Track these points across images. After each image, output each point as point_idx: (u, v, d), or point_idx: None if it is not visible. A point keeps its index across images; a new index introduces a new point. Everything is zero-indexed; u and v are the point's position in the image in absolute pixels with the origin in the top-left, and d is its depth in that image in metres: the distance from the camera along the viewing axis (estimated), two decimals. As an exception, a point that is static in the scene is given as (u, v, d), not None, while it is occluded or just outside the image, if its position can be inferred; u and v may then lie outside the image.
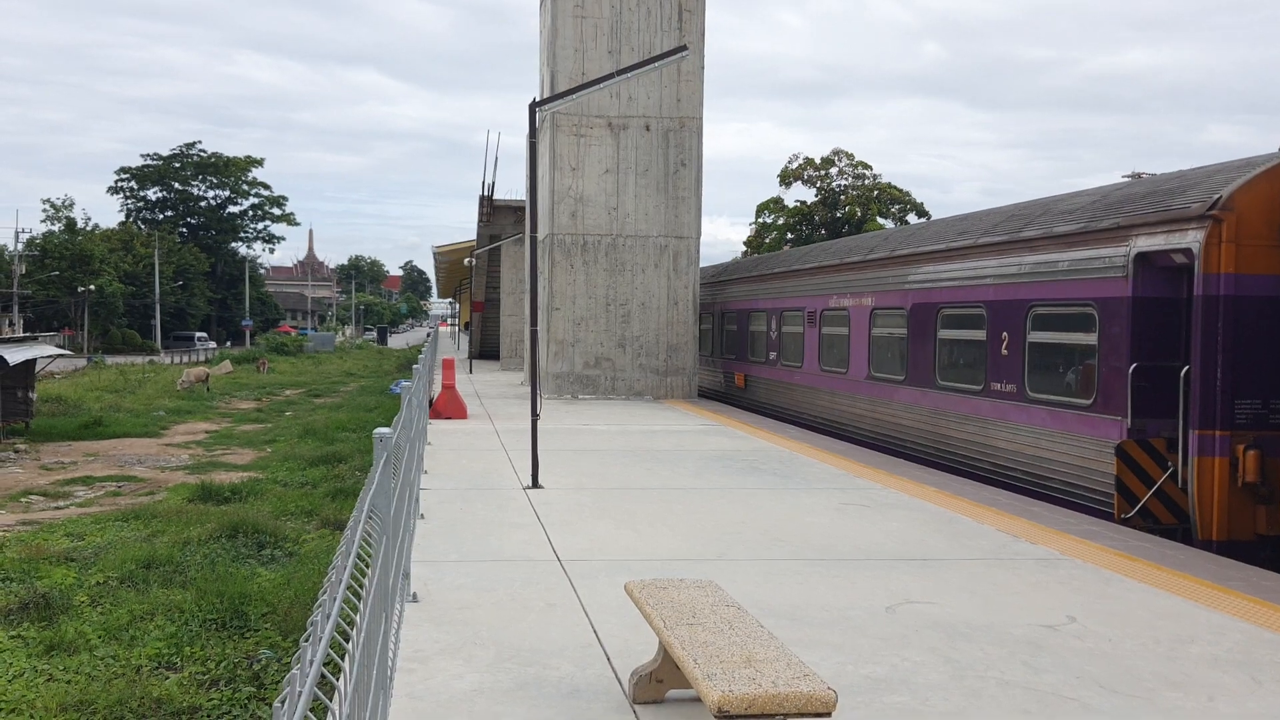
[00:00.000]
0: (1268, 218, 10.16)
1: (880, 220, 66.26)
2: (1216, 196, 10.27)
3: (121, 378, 42.24)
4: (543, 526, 9.77)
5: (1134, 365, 11.05)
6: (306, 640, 1.76)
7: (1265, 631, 6.73)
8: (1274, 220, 10.14)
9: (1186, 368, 10.55)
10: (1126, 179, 13.94)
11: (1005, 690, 5.61)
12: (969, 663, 6.04)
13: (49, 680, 8.07)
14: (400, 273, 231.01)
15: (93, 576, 10.89)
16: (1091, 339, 11.84)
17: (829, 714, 4.13)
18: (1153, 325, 11.10)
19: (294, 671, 1.56)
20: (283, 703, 1.46)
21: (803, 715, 4.11)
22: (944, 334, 15.31)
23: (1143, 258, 11.11)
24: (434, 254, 59.95)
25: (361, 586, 2.98)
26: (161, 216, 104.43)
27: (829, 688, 4.14)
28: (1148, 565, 8.53)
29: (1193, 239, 10.39)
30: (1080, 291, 12.06)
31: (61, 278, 77.72)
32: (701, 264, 26.14)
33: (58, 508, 16.03)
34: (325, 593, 2.04)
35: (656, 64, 13.64)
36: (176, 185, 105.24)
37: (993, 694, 5.56)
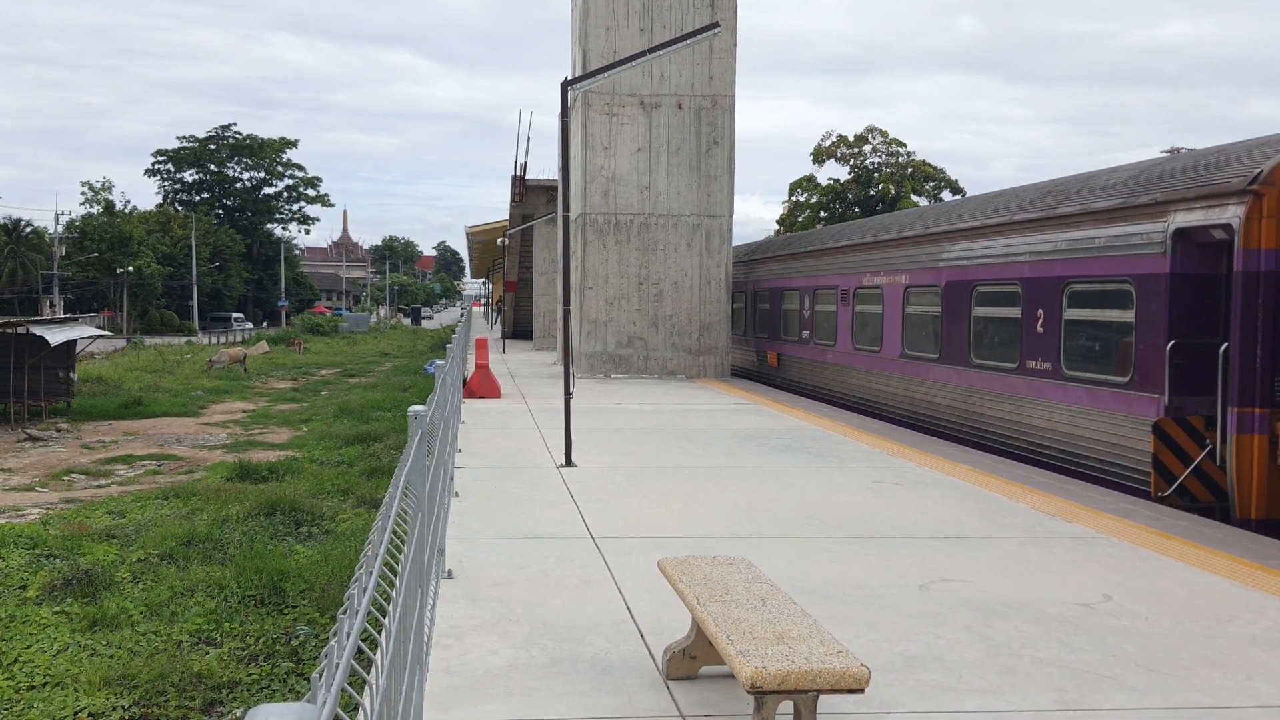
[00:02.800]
0: (1310, 192, 9.99)
1: (914, 198, 65.75)
2: (1257, 171, 10.11)
3: (160, 358, 42.75)
4: (576, 504, 9.82)
5: (1172, 342, 10.93)
6: (343, 614, 1.78)
7: (1305, 610, 6.67)
8: (1317, 194, 9.97)
9: (1225, 344, 10.42)
10: (1165, 154, 13.75)
11: (1040, 668, 5.60)
12: (1003, 640, 6.03)
13: (92, 655, 8.22)
14: (434, 253, 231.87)
15: (134, 553, 11.07)
16: (1129, 316, 11.72)
17: (862, 690, 4.14)
18: (1191, 302, 10.97)
19: (331, 643, 1.59)
20: (320, 675, 1.48)
21: (835, 691, 4.12)
22: (979, 311, 15.19)
23: (1181, 233, 10.97)
24: (467, 234, 60.14)
25: (397, 562, 3.02)
26: (198, 198, 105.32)
27: (862, 664, 4.15)
28: (1185, 544, 8.46)
29: (1232, 214, 10.24)
30: (1117, 268, 11.93)
31: (100, 259, 78.62)
32: (734, 243, 26.05)
33: (99, 486, 16.29)
34: (362, 567, 2.07)
35: (688, 41, 13.58)
36: (212, 167, 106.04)
37: (1027, 672, 5.54)
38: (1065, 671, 5.55)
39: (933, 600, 6.81)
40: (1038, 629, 6.25)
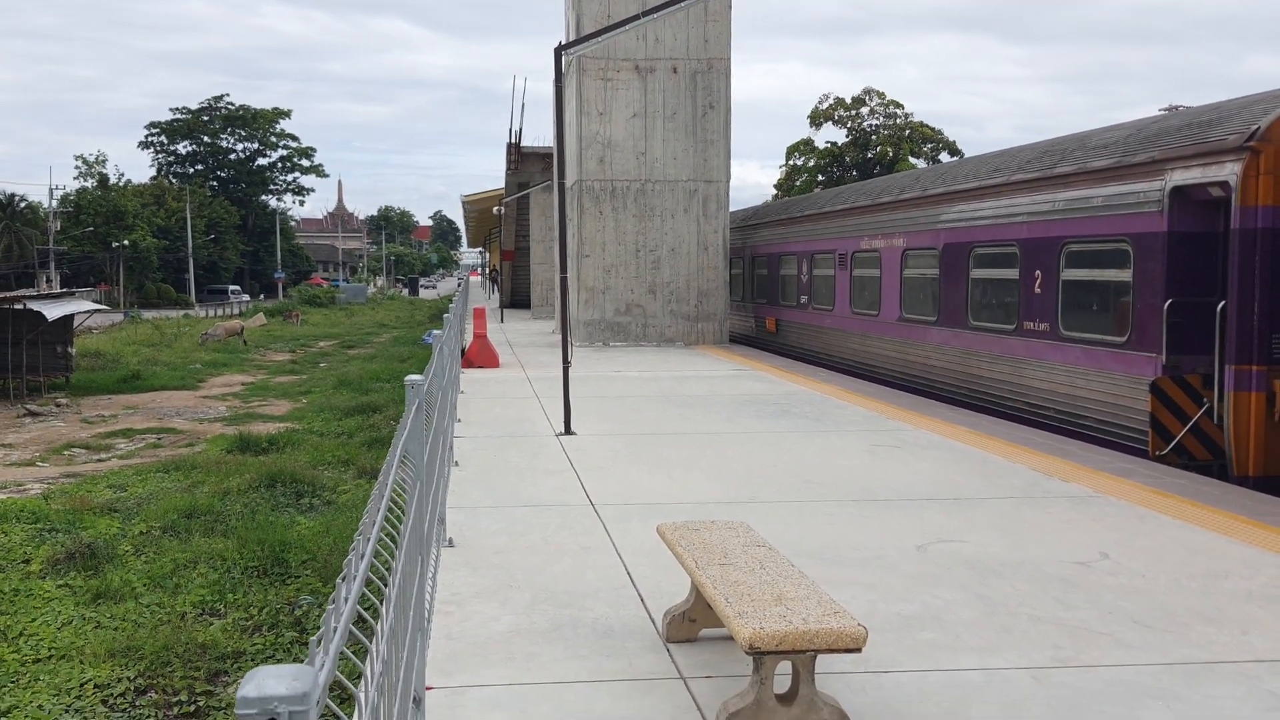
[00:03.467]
0: (1307, 148, 9.96)
1: (912, 160, 65.49)
2: (1254, 127, 10.08)
3: (157, 332, 42.72)
4: (576, 472, 9.86)
5: (1169, 301, 10.93)
6: (342, 580, 1.80)
7: (1300, 566, 6.71)
8: (1313, 151, 9.94)
9: (1223, 303, 10.43)
10: (1163, 112, 13.69)
11: (1037, 626, 5.64)
12: (1000, 599, 6.08)
13: (97, 627, 8.27)
14: (430, 223, 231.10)
15: (136, 526, 11.11)
16: (1126, 275, 11.71)
17: (859, 649, 4.18)
18: (1188, 260, 10.96)
19: (330, 608, 1.61)
20: (318, 640, 1.50)
21: (833, 651, 4.16)
22: (976, 273, 15.18)
23: (1178, 192, 10.95)
24: (463, 203, 59.96)
25: (396, 530, 3.04)
26: (192, 170, 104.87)
27: (859, 624, 4.18)
28: (1182, 501, 8.51)
29: (1229, 171, 10.22)
30: (1115, 227, 11.91)
31: (96, 233, 78.40)
32: (731, 208, 25.98)
33: (100, 460, 16.32)
34: (360, 534, 2.08)
35: (683, 4, 13.48)
36: (206, 139, 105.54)
37: (1024, 630, 5.59)
38: (1062, 629, 5.60)
39: (930, 561, 6.86)
40: (1034, 587, 6.29)
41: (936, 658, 5.22)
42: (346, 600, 1.67)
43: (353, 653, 1.82)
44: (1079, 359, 12.57)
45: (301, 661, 1.53)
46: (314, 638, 1.53)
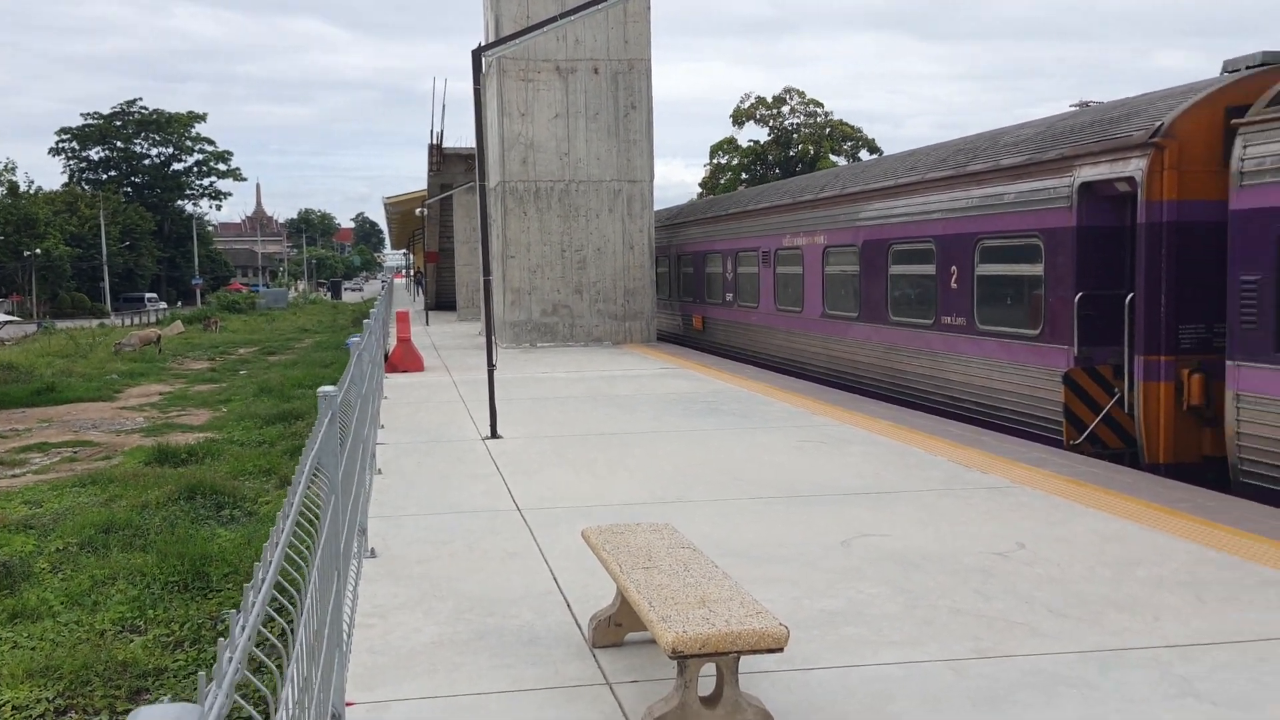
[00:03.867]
0: (1209, 143, 10.27)
1: (833, 158, 66.27)
2: (1158, 124, 10.36)
3: (72, 342, 41.60)
4: (502, 476, 9.81)
5: (1080, 294, 11.19)
6: (238, 612, 1.77)
7: (1209, 551, 6.92)
8: (1215, 146, 10.25)
9: (1131, 295, 10.70)
10: (1074, 108, 14.01)
11: (957, 618, 5.75)
12: (922, 592, 6.17)
13: (13, 648, 8.03)
14: (352, 225, 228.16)
15: (52, 543, 10.81)
16: (1038, 270, 11.97)
17: (781, 649, 4.22)
18: (1098, 254, 11.24)
19: (222, 642, 1.57)
20: (209, 679, 1.47)
21: (756, 651, 4.20)
22: (895, 270, 15.41)
23: (1087, 187, 11.22)
24: (385, 205, 59.33)
25: (308, 548, 3.00)
26: (105, 177, 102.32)
27: (781, 624, 4.22)
28: (1096, 490, 8.72)
29: (1135, 167, 10.49)
30: (1027, 223, 12.17)
31: (6, 242, 76.10)
32: (656, 207, 26.06)
33: (14, 475, 15.86)
34: (259, 564, 2.04)
35: (601, 5, 13.49)
36: (119, 144, 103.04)
37: (944, 622, 5.69)
38: (981, 620, 5.71)
39: (854, 556, 6.95)
40: (954, 580, 6.41)
41: (859, 653, 5.29)
42: (243, 630, 1.64)
43: (270, 672, 1.79)
44: (995, 352, 12.83)
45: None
46: (203, 674, 1.50)
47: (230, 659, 1.53)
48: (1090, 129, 11.57)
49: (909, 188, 14.92)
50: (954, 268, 13.60)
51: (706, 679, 4.47)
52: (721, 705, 4.30)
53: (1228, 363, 9.46)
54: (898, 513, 8.09)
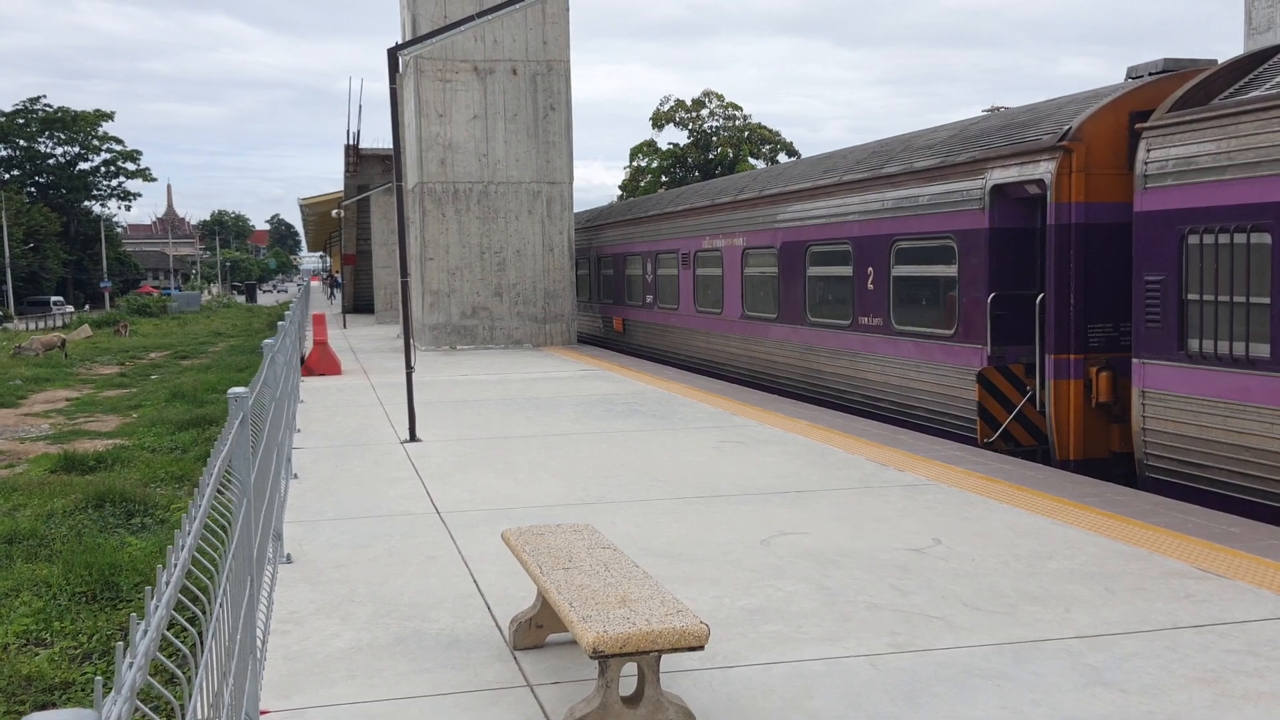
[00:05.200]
0: (1115, 147, 10.55)
1: (752, 161, 66.80)
2: (1066, 128, 10.62)
3: (-28, 347, 40.20)
4: (421, 480, 9.70)
5: (992, 295, 11.42)
6: (139, 620, 1.71)
7: (1118, 544, 7.10)
8: (1121, 149, 10.54)
9: (1041, 295, 10.95)
10: (985, 113, 14.31)
11: (874, 613, 5.82)
12: (840, 589, 6.24)
13: (-93, 665, 7.73)
14: (267, 227, 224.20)
15: (-50, 556, 10.42)
16: (952, 271, 12.19)
17: (701, 647, 4.23)
18: (1009, 255, 11.48)
19: (119, 646, 1.52)
20: (109, 690, 1.41)
21: (677, 650, 4.19)
22: (813, 271, 15.58)
23: (998, 189, 11.45)
24: (301, 206, 58.37)
25: (219, 554, 2.92)
26: (8, 176, 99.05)
27: (701, 622, 4.23)
28: (1009, 486, 8.90)
29: (1044, 170, 10.74)
30: (940, 225, 12.39)
31: (-100, 244, 73.33)
32: (576, 209, 26.02)
33: (-92, 486, 15.26)
34: (162, 572, 1.98)
35: (518, 6, 13.43)
36: (21, 142, 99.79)
37: (862, 618, 5.75)
38: (898, 615, 5.78)
39: (774, 554, 7.00)
40: (872, 576, 6.48)
41: (780, 650, 5.32)
42: (145, 634, 1.59)
43: (180, 683, 1.73)
44: (910, 352, 13.03)
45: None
46: (99, 678, 1.44)
47: (130, 664, 1.47)
48: (1001, 133, 11.82)
49: (826, 190, 15.10)
50: (870, 269, 13.79)
51: (628, 679, 4.46)
52: (643, 705, 4.29)
53: (1134, 360, 9.73)
54: (817, 511, 8.17)
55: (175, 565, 1.97)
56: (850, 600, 6.05)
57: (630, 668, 4.40)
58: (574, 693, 4.81)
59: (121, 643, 1.46)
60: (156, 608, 1.69)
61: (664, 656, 4.36)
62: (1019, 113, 12.36)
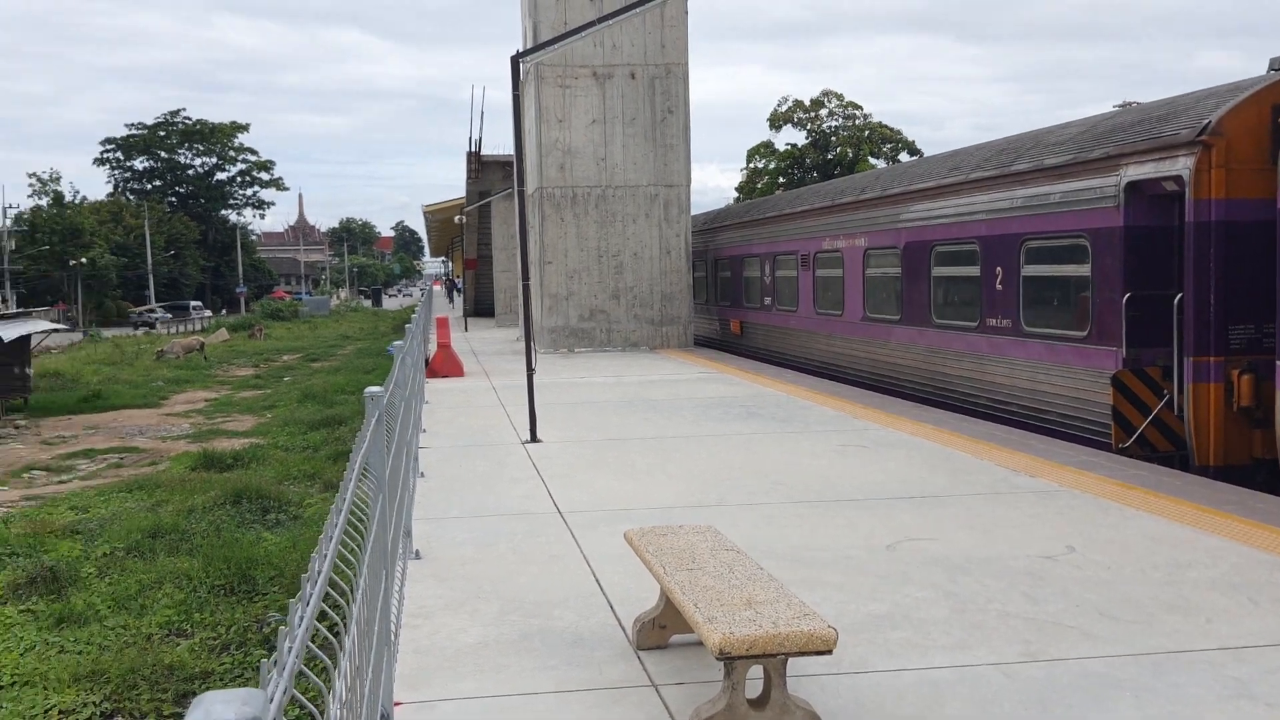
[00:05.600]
0: (1256, 141, 10.11)
1: (872, 160, 65.93)
2: (1205, 122, 10.21)
3: (117, 350, 42.19)
4: (542, 480, 9.82)
5: (1127, 295, 11.05)
6: (296, 602, 1.77)
7: (1260, 553, 6.79)
8: (1262, 144, 10.09)
9: (1180, 295, 10.55)
10: (1117, 108, 13.85)
11: (1006, 621, 5.67)
12: (969, 596, 6.10)
13: (61, 652, 8.13)
14: (392, 233, 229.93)
15: (99, 548, 10.93)
16: (1085, 270, 11.83)
17: (829, 651, 4.18)
18: (1145, 254, 11.08)
19: (283, 630, 1.57)
20: (273, 661, 1.46)
21: (804, 653, 4.15)
22: (938, 271, 15.29)
23: (1133, 187, 11.07)
24: (424, 213, 59.64)
25: (360, 545, 3.00)
26: (150, 186, 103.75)
27: (829, 626, 4.18)
28: (1145, 493, 8.59)
29: (1182, 166, 10.34)
30: (1072, 223, 12.03)
31: (52, 252, 77.35)
32: (693, 212, 26.03)
33: (61, 481, 16.09)
34: (317, 552, 2.05)
35: (639, 9, 13.50)
36: (163, 154, 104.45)
37: (994, 626, 5.61)
38: (1030, 624, 5.63)
39: (899, 560, 6.88)
40: (1003, 583, 6.32)
41: (908, 656, 5.23)
42: (301, 621, 1.64)
43: (317, 670, 1.79)
44: (1041, 354, 12.68)
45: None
46: (265, 661, 1.50)
47: (290, 648, 1.52)
48: (1136, 128, 11.42)
49: (952, 188, 14.80)
50: (999, 269, 13.47)
51: (753, 682, 4.43)
52: (770, 708, 4.26)
53: (1278, 362, 9.30)
54: (943, 517, 8.01)
55: (326, 555, 2.03)
56: (981, 608, 5.91)
57: (755, 670, 4.38)
58: (698, 694, 4.80)
59: (284, 625, 1.51)
60: (311, 595, 1.75)
61: (790, 660, 4.32)
62: (1154, 107, 11.93)
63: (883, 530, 7.64)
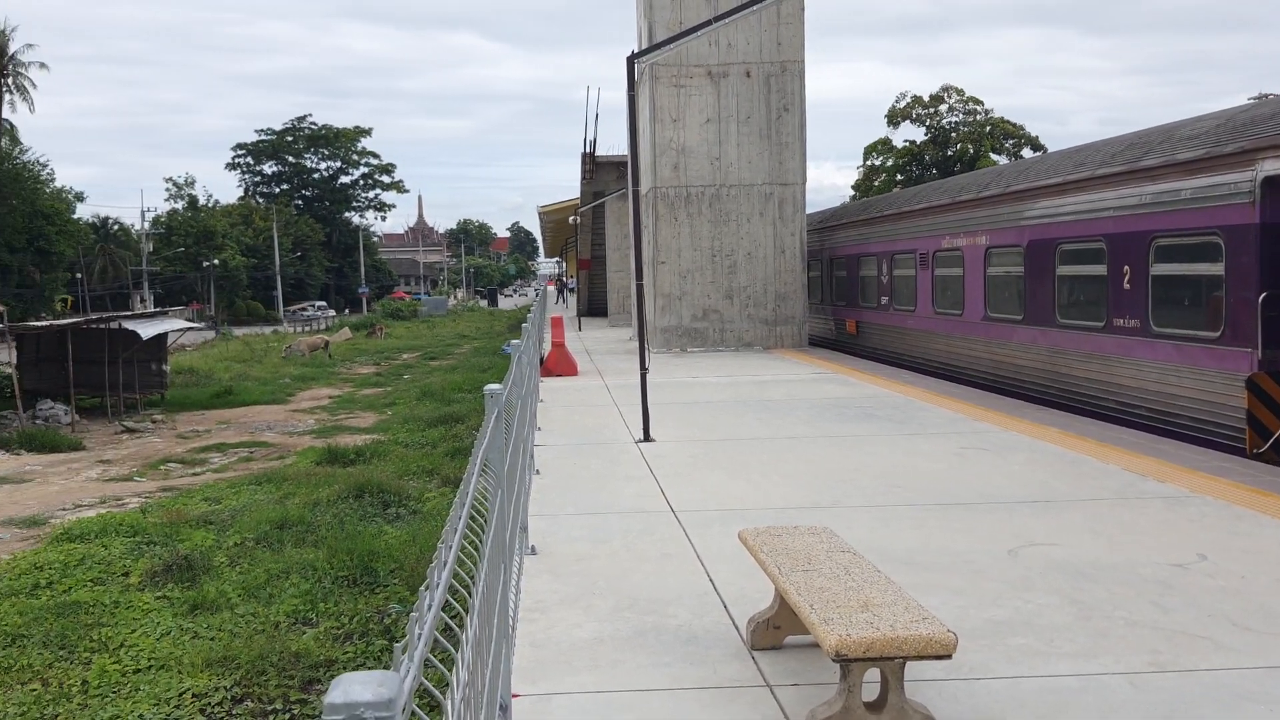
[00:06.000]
0: None
1: (993, 157, 64.44)
2: (1352, 112, 9.72)
3: (247, 348, 43.74)
4: (655, 478, 9.85)
5: (1264, 294, 10.58)
6: (425, 589, 1.81)
7: None
8: None
9: (1322, 294, 10.07)
10: (1252, 101, 13.28)
11: (1133, 630, 5.49)
12: (1095, 603, 5.93)
13: (194, 638, 8.47)
14: (507, 234, 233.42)
15: (230, 538, 11.36)
16: (1218, 269, 11.37)
17: (949, 656, 4.10)
18: (1284, 251, 10.61)
19: (414, 616, 1.62)
20: (403, 646, 1.51)
21: (923, 658, 4.09)
22: (1062, 270, 14.87)
23: (1270, 182, 10.60)
24: (539, 214, 60.37)
25: (479, 539, 3.06)
26: (277, 190, 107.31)
27: (949, 630, 4.11)
28: (1284, 501, 8.22)
29: (1327, 158, 9.87)
30: (1205, 220, 11.58)
31: (187, 253, 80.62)
32: (808, 210, 25.80)
33: (195, 474, 16.76)
34: (443, 541, 2.10)
35: (755, 7, 13.44)
36: (290, 159, 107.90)
37: (1120, 634, 5.44)
38: (1159, 633, 5.44)
39: (1021, 565, 6.72)
40: (1130, 591, 6.13)
41: (1030, 663, 5.10)
42: (430, 608, 1.69)
43: (438, 660, 1.84)
44: (1171, 355, 12.24)
45: (389, 669, 1.55)
46: (399, 645, 1.55)
47: (420, 635, 1.57)
48: (1273, 120, 10.93)
49: (1077, 185, 14.38)
50: (1126, 267, 13.04)
51: (869, 685, 4.38)
52: (887, 711, 4.20)
53: None
54: (1067, 522, 7.79)
55: (451, 546, 2.08)
56: (1106, 615, 5.73)
57: (872, 674, 4.33)
58: (813, 695, 4.77)
59: (416, 613, 1.56)
60: (440, 581, 1.79)
61: (908, 664, 4.26)
62: (1296, 97, 11.40)
63: (1003, 534, 7.47)
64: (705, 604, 6.15)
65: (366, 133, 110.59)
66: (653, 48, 13.82)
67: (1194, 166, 11.80)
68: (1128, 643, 5.33)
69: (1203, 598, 5.97)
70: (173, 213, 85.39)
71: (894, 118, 69.15)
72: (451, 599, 2.35)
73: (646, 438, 12.00)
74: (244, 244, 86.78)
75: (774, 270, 24.68)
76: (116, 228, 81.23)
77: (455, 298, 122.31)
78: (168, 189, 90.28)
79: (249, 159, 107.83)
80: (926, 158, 67.86)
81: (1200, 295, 11.88)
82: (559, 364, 19.78)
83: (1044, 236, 15.29)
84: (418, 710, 1.57)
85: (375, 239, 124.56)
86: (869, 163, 71.18)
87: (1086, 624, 5.61)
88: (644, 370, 12.75)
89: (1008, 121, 67.40)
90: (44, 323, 28.50)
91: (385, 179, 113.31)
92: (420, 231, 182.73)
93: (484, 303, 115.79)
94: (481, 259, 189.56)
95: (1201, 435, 11.55)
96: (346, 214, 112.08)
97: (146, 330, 25.11)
